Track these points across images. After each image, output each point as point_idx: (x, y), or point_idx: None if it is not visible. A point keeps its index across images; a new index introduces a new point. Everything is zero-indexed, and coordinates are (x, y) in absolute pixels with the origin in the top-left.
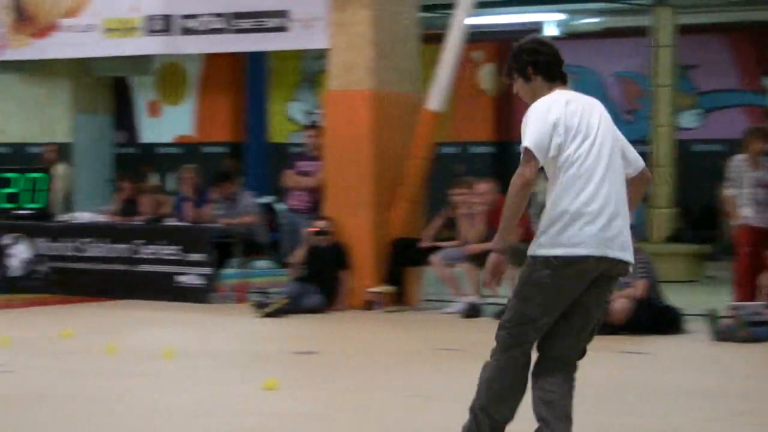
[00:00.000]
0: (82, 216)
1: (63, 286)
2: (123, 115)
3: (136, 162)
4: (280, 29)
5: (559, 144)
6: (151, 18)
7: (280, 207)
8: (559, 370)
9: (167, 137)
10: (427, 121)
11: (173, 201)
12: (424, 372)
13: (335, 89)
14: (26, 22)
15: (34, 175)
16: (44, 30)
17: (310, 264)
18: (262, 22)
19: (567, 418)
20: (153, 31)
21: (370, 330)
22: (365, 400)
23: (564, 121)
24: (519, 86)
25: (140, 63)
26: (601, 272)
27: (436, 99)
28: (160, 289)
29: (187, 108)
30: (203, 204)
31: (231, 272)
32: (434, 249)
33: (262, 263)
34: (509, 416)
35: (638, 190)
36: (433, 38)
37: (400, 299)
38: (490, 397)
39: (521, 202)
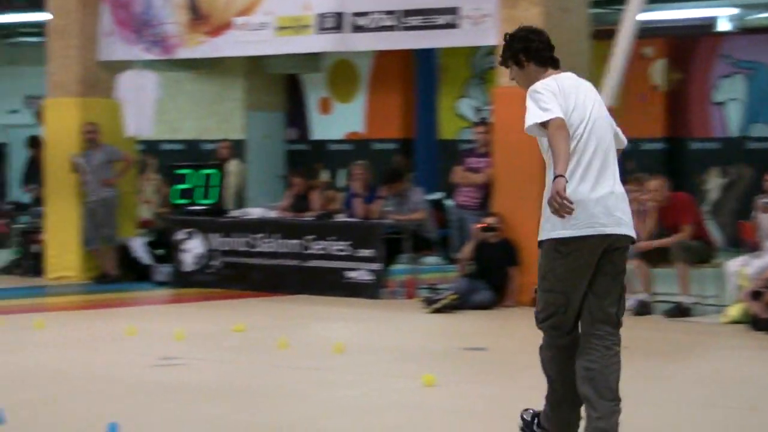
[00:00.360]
0: (254, 212)
1: (235, 280)
2: (295, 112)
3: (307, 158)
4: (450, 26)
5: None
6: (322, 16)
7: (449, 203)
8: (596, 340)
9: (338, 134)
10: None
11: (343, 197)
12: None
13: (505, 86)
14: (200, 20)
15: (208, 171)
16: (218, 28)
17: (478, 260)
18: (433, 19)
19: (611, 394)
20: (324, 29)
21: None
22: (531, 398)
23: (563, 103)
24: (514, 73)
25: (312, 60)
26: (606, 247)
27: (607, 95)
28: (330, 284)
29: (357, 105)
30: (373, 200)
31: (400, 268)
32: None
33: (431, 259)
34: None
35: None
36: (605, 34)
37: None
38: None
39: (565, 142)
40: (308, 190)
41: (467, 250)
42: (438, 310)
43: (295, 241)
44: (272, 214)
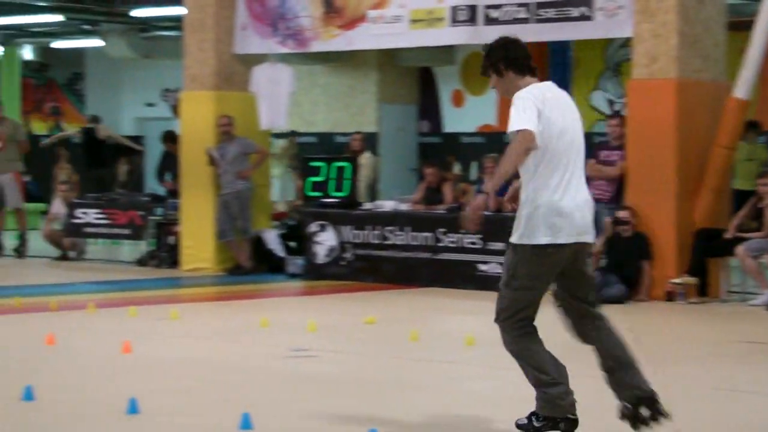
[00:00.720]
0: (386, 204)
1: (367, 273)
2: (427, 105)
3: (439, 151)
4: (584, 18)
5: (539, 132)
6: (456, 8)
7: None
8: (597, 321)
9: (470, 127)
10: (734, 110)
11: (475, 190)
12: (728, 365)
13: (639, 78)
14: (334, 14)
15: (340, 164)
16: (352, 22)
17: (611, 254)
18: (566, 11)
19: (626, 364)
20: (458, 22)
21: (672, 321)
22: (668, 392)
23: (545, 113)
24: (494, 81)
25: (445, 53)
26: (573, 252)
27: (743, 87)
28: (461, 277)
29: (490, 97)
30: (505, 193)
31: None
32: (739, 240)
33: None
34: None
35: None
36: (741, 25)
37: (703, 291)
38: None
39: (516, 158)
40: (441, 182)
41: (599, 244)
42: None
43: (427, 234)
44: (404, 206)
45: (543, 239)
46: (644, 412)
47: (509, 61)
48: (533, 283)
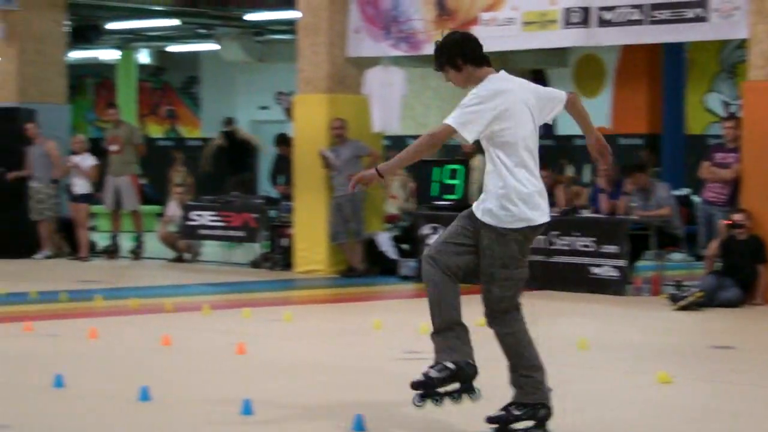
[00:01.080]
0: None
1: (478, 276)
2: None
3: (552, 154)
4: (698, 19)
5: (503, 128)
6: (569, 10)
7: (695, 199)
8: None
9: None
10: None
11: (589, 193)
12: None
13: (755, 79)
14: (447, 16)
15: (453, 166)
16: (465, 24)
17: (725, 257)
18: (681, 12)
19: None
20: (571, 24)
21: None
22: None
23: (508, 106)
24: (451, 76)
25: (558, 55)
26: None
27: None
28: (574, 280)
29: (603, 100)
30: (618, 196)
31: (645, 265)
32: None
33: (677, 256)
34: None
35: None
36: None
37: None
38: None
39: (423, 153)
40: (553, 185)
41: (714, 247)
42: (683, 308)
43: (539, 237)
44: None
45: (515, 224)
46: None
47: (467, 56)
48: (522, 263)
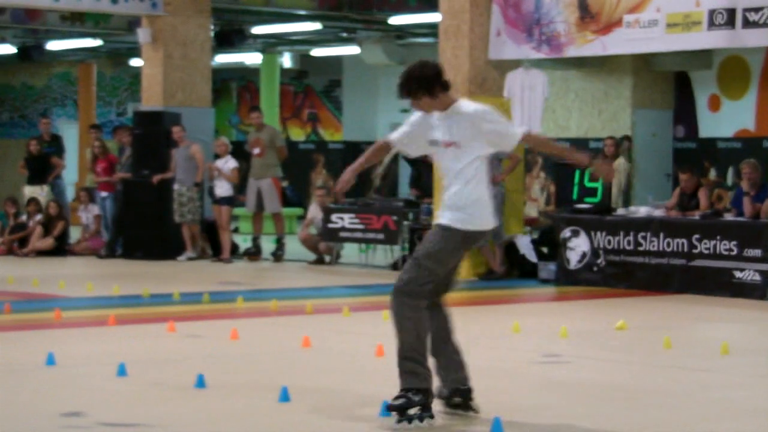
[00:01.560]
0: (640, 210)
1: (619, 279)
2: (683, 110)
3: (695, 156)
4: None
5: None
6: (713, 12)
7: None
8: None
9: (727, 131)
10: None
11: (732, 196)
12: None
13: None
14: (590, 19)
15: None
16: (607, 26)
17: None
18: None
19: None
20: (715, 25)
21: None
22: None
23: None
24: (424, 102)
25: (702, 57)
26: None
27: None
28: (717, 284)
29: (748, 102)
30: (762, 199)
31: None
32: None
33: None
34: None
35: None
36: None
37: None
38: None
39: (376, 156)
40: (696, 188)
41: None
42: None
43: (681, 240)
44: (658, 212)
45: (478, 227)
46: (457, 400)
47: (444, 85)
48: (449, 262)
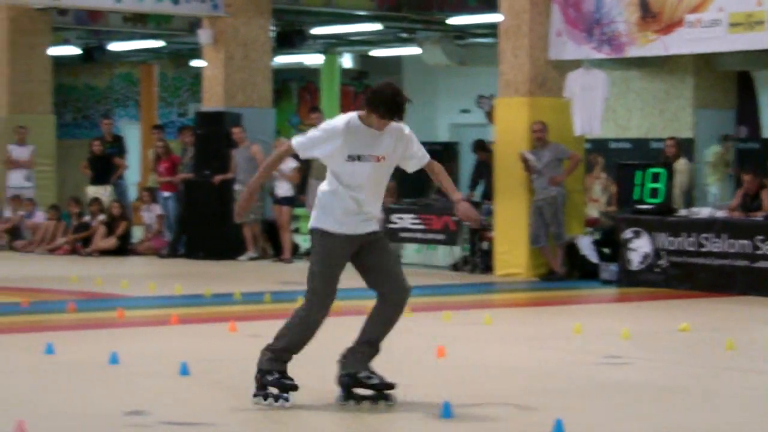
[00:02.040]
0: (702, 211)
1: (681, 280)
2: (745, 110)
3: (758, 157)
4: None
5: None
6: None
7: None
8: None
9: None
10: None
11: None
12: None
13: None
14: (651, 18)
15: (655, 170)
16: (669, 26)
17: None
18: None
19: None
20: None
21: None
22: None
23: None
24: (392, 122)
25: (764, 57)
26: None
27: None
28: None
29: None
30: None
31: None
32: None
33: None
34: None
35: None
36: None
37: None
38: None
39: (275, 164)
40: (759, 189)
41: None
42: None
43: (744, 242)
44: (721, 213)
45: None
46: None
47: None
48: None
